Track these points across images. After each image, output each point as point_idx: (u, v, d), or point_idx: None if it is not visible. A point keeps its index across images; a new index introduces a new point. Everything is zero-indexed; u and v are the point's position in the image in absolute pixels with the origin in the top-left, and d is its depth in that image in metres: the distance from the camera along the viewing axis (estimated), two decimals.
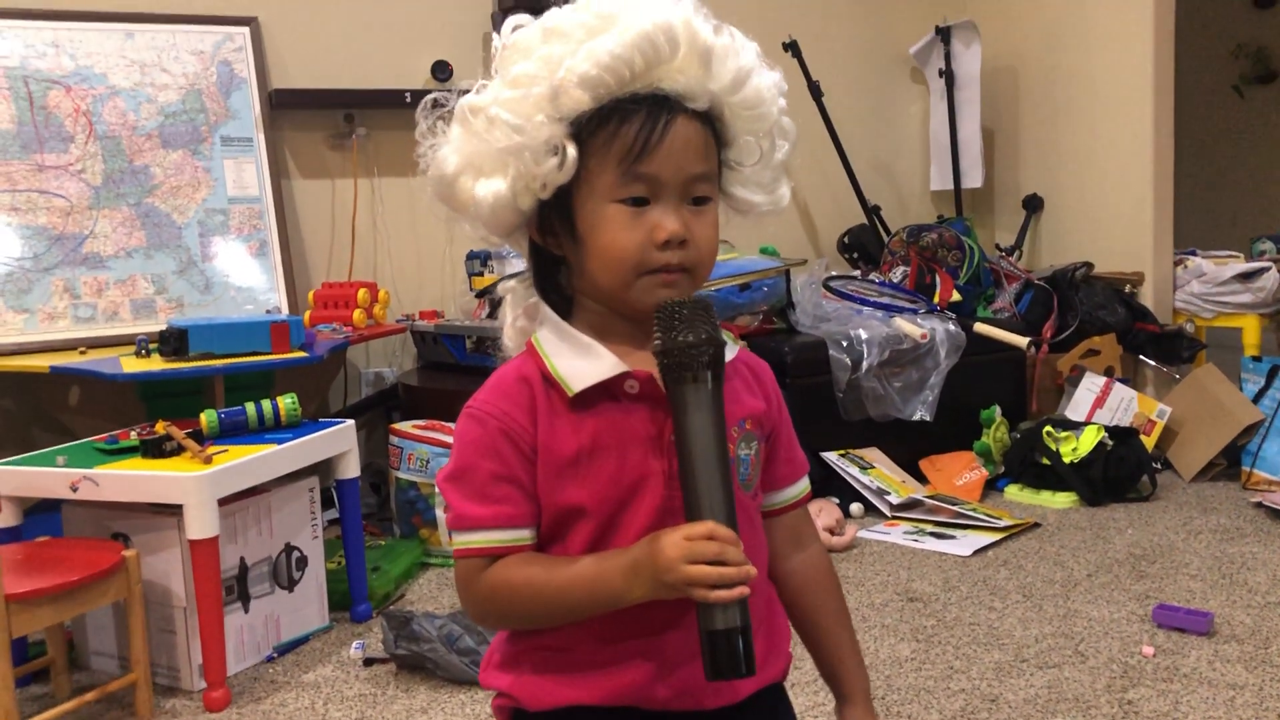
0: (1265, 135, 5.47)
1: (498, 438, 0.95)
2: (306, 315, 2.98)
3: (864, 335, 3.19)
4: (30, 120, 2.88)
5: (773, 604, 1.06)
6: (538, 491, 0.96)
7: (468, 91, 0.98)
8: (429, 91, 1.01)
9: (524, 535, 0.96)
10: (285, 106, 3.19)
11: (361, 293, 2.98)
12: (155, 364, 2.46)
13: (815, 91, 3.80)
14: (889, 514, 2.98)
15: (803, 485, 1.11)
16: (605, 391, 0.96)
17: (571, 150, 0.93)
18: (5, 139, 2.84)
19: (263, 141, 3.13)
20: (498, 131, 0.93)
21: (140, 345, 2.58)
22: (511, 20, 0.98)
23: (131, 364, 2.48)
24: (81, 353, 2.72)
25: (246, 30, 3.16)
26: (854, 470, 3.08)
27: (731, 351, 1.00)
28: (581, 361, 0.96)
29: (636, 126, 0.93)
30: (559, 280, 1.02)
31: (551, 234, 0.99)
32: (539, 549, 0.97)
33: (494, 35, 1.00)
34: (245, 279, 3.07)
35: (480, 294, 3.19)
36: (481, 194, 0.95)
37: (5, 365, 2.64)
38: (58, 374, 2.56)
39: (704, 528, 0.87)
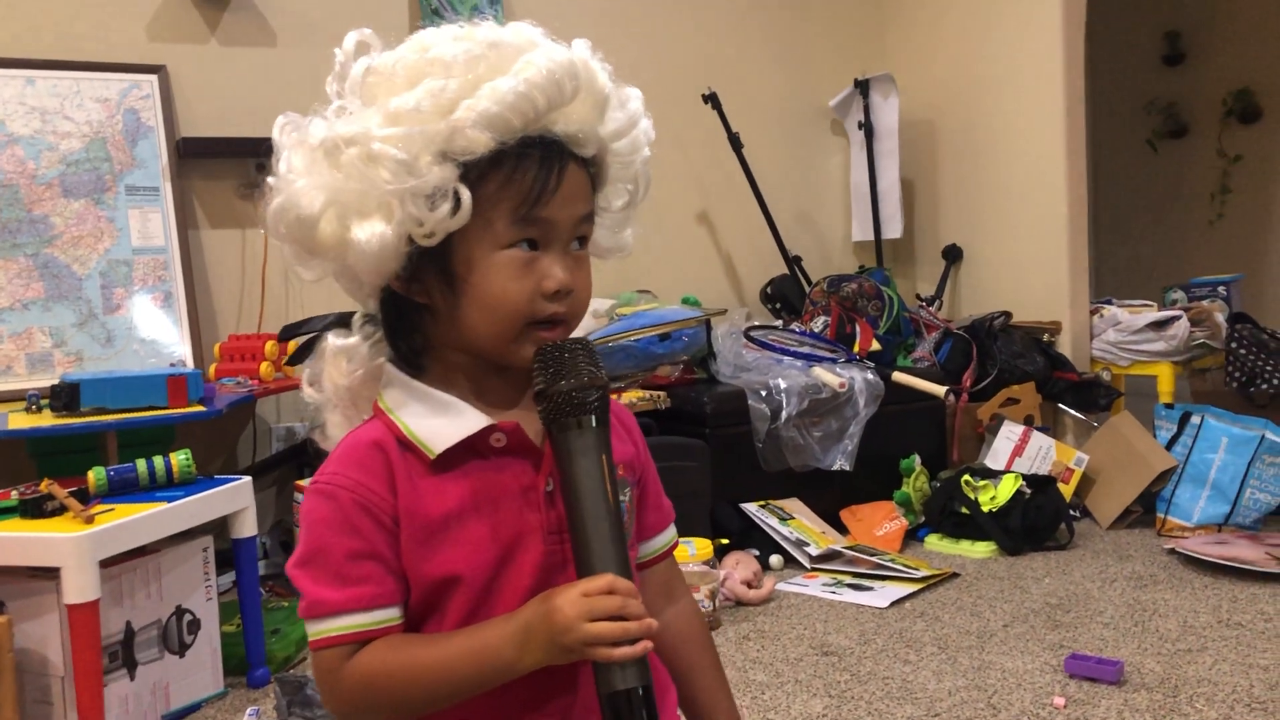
0: (1178, 188, 5.60)
1: (353, 512, 0.87)
2: (212, 368, 2.90)
3: (783, 384, 3.18)
4: None
5: (657, 670, 1.01)
6: (403, 566, 0.88)
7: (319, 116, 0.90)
8: None
9: (391, 615, 0.88)
10: (194, 155, 3.12)
11: (269, 345, 2.90)
12: (45, 419, 2.36)
13: (735, 143, 3.82)
14: (808, 565, 2.95)
15: (671, 534, 1.07)
16: (470, 449, 0.90)
17: (466, 195, 0.86)
18: None
19: (169, 191, 3.06)
20: (383, 170, 0.85)
21: (31, 400, 2.48)
22: (354, 35, 0.91)
23: (19, 419, 2.39)
24: None
25: (155, 78, 3.10)
26: (773, 521, 3.05)
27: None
28: (439, 420, 0.90)
29: (533, 172, 0.88)
30: (415, 332, 0.94)
31: (417, 281, 0.91)
32: (409, 630, 0.90)
33: (337, 51, 0.92)
34: (149, 332, 2.98)
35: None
36: (363, 238, 0.87)
37: None
38: None
39: (603, 581, 0.82)
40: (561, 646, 0.81)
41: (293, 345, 2.82)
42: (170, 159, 3.08)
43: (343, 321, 0.97)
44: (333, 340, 0.96)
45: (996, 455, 3.40)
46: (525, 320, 0.89)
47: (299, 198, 0.88)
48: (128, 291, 2.98)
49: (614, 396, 2.87)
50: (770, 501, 3.14)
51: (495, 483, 0.90)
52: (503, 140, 0.87)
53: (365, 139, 0.86)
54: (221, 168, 3.21)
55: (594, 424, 0.86)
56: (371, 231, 0.87)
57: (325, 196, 0.87)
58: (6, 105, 2.91)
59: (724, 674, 1.07)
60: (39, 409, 2.46)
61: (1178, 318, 3.65)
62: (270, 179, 0.91)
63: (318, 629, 0.87)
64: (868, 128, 4.14)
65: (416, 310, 0.93)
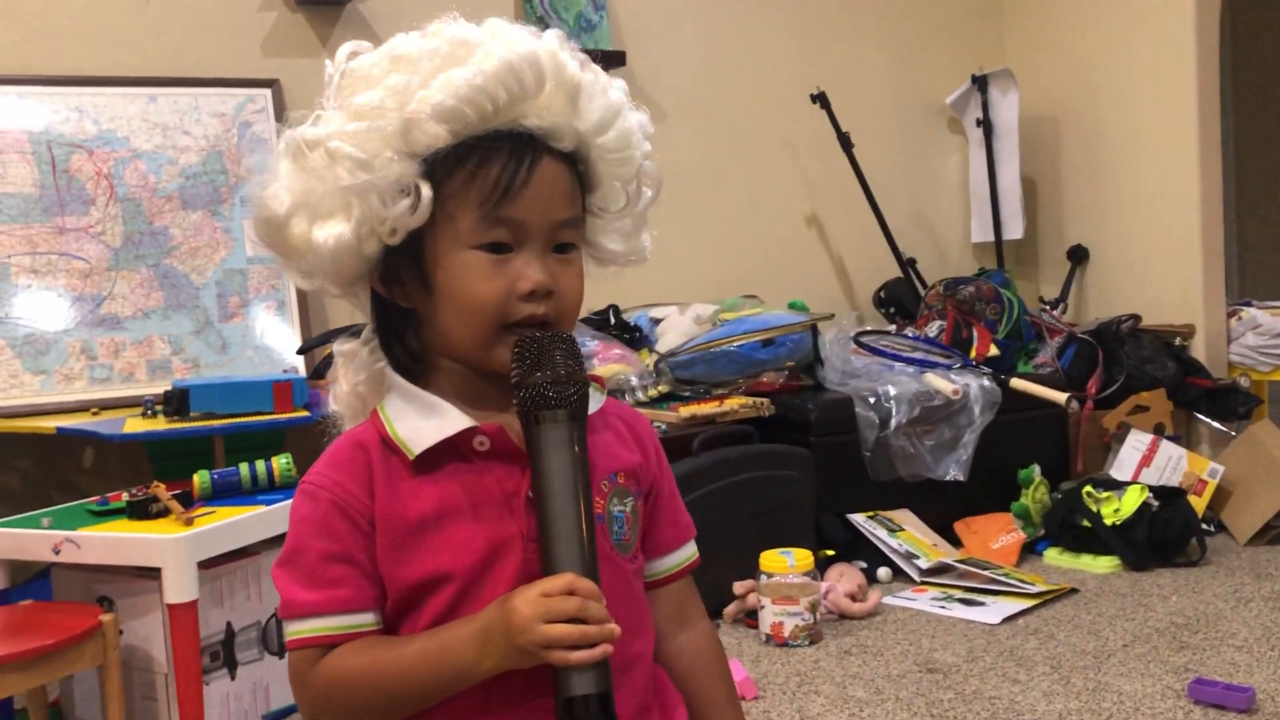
0: None
1: (330, 513, 0.86)
2: None
3: (893, 391, 3.08)
4: (53, 184, 2.92)
5: (664, 687, 0.97)
6: (379, 569, 0.87)
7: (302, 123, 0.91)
8: None
9: (364, 620, 0.87)
10: None
11: None
12: (158, 424, 2.44)
13: (845, 143, 3.73)
14: (918, 579, 2.84)
15: (688, 551, 1.01)
16: (453, 452, 0.88)
17: (426, 191, 0.84)
18: (28, 203, 2.88)
19: None
20: (340, 168, 0.84)
21: (147, 406, 2.57)
22: (349, 45, 0.91)
23: (135, 424, 2.47)
24: (94, 414, 2.72)
25: (268, 92, 3.18)
26: (882, 533, 2.95)
27: (597, 401, 0.92)
28: (424, 421, 0.88)
29: (499, 166, 0.85)
30: (407, 337, 0.92)
31: (398, 284, 0.89)
32: (387, 634, 0.88)
33: (327, 62, 0.93)
34: (263, 339, 3.06)
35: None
36: (320, 238, 0.86)
37: (17, 426, 2.64)
38: (64, 435, 2.55)
39: (561, 581, 0.79)
40: (517, 648, 0.79)
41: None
42: None
43: (356, 333, 0.96)
44: (336, 348, 0.95)
45: (1122, 465, 3.24)
46: (499, 323, 0.86)
47: (268, 201, 0.88)
48: (243, 300, 3.06)
49: (688, 406, 2.81)
50: (879, 512, 3.04)
51: (476, 487, 0.87)
52: (462, 133, 0.84)
53: (326, 139, 0.85)
54: None
55: (567, 418, 0.82)
56: (329, 232, 0.86)
57: (291, 199, 0.87)
58: (131, 122, 3.03)
59: (739, 708, 1.01)
60: (153, 414, 2.54)
61: None
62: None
63: (290, 630, 0.87)
64: (986, 125, 4.00)
65: (403, 315, 0.91)
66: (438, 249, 0.87)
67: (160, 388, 2.83)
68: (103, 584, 2.08)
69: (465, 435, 0.88)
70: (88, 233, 2.93)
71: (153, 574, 1.99)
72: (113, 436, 2.36)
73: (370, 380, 0.94)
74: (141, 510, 2.05)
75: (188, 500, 2.10)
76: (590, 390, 0.86)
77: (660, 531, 0.99)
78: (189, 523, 1.97)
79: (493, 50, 0.85)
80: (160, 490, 2.09)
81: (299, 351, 2.92)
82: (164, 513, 2.05)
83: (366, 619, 0.87)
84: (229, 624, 2.12)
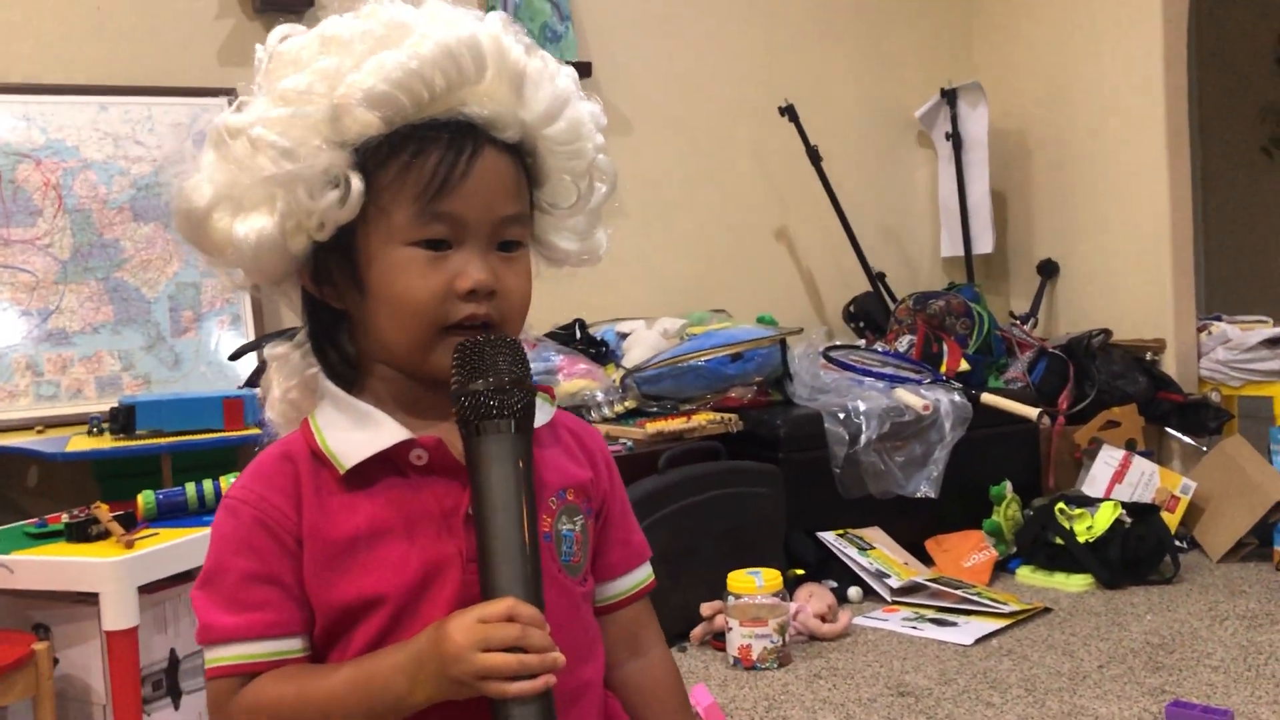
0: None
1: (253, 530, 0.80)
2: None
3: (863, 407, 3.02)
4: None
5: (617, 716, 0.90)
6: (306, 590, 0.80)
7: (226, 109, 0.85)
8: None
9: (289, 646, 0.80)
10: None
11: None
12: (103, 442, 2.35)
13: (814, 156, 3.68)
14: (889, 599, 2.78)
15: (642, 574, 0.95)
16: (388, 465, 0.81)
17: (356, 182, 0.78)
18: None
19: None
20: (262, 158, 0.78)
21: (92, 423, 2.48)
22: (282, 28, 0.84)
23: (80, 443, 2.38)
24: (39, 432, 2.62)
25: (224, 101, 3.10)
26: (852, 551, 2.89)
27: (546, 413, 0.85)
28: (358, 432, 0.81)
29: (436, 157, 0.79)
30: (341, 341, 0.86)
31: (329, 283, 0.83)
32: (315, 660, 0.81)
33: (258, 46, 0.86)
34: (217, 354, 2.97)
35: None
36: (242, 233, 0.80)
37: None
38: (4, 454, 2.45)
39: (501, 606, 0.72)
40: (452, 678, 0.72)
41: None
42: None
43: (290, 335, 0.89)
44: (267, 352, 0.89)
45: (1095, 482, 3.20)
46: (437, 324, 0.80)
47: (188, 193, 0.82)
48: (196, 314, 2.98)
49: (655, 422, 2.75)
50: (849, 530, 2.99)
51: (412, 504, 0.81)
52: (396, 121, 0.78)
53: (249, 125, 0.79)
54: None
55: (510, 429, 0.76)
56: (251, 226, 0.79)
57: (213, 191, 0.81)
58: (81, 131, 2.94)
59: None
60: (99, 432, 2.45)
61: None
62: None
63: (210, 657, 0.80)
64: (956, 139, 3.97)
65: (336, 317, 0.85)
66: (370, 245, 0.81)
67: (110, 405, 2.74)
68: (39, 610, 1.98)
69: (401, 448, 0.82)
70: (35, 245, 2.84)
71: (91, 599, 1.90)
72: (54, 455, 2.27)
73: (302, 386, 0.88)
74: (80, 532, 1.95)
75: (131, 522, 2.01)
76: (538, 400, 0.80)
77: (611, 552, 0.93)
78: (129, 545, 1.88)
79: (429, 33, 0.79)
80: (101, 511, 2.00)
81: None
82: (104, 535, 1.96)
83: (292, 645, 0.81)
84: (173, 651, 2.03)
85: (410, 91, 0.78)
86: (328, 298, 0.85)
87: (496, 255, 0.83)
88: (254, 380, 2.63)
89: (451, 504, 0.81)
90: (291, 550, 0.80)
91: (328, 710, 0.77)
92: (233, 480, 2.13)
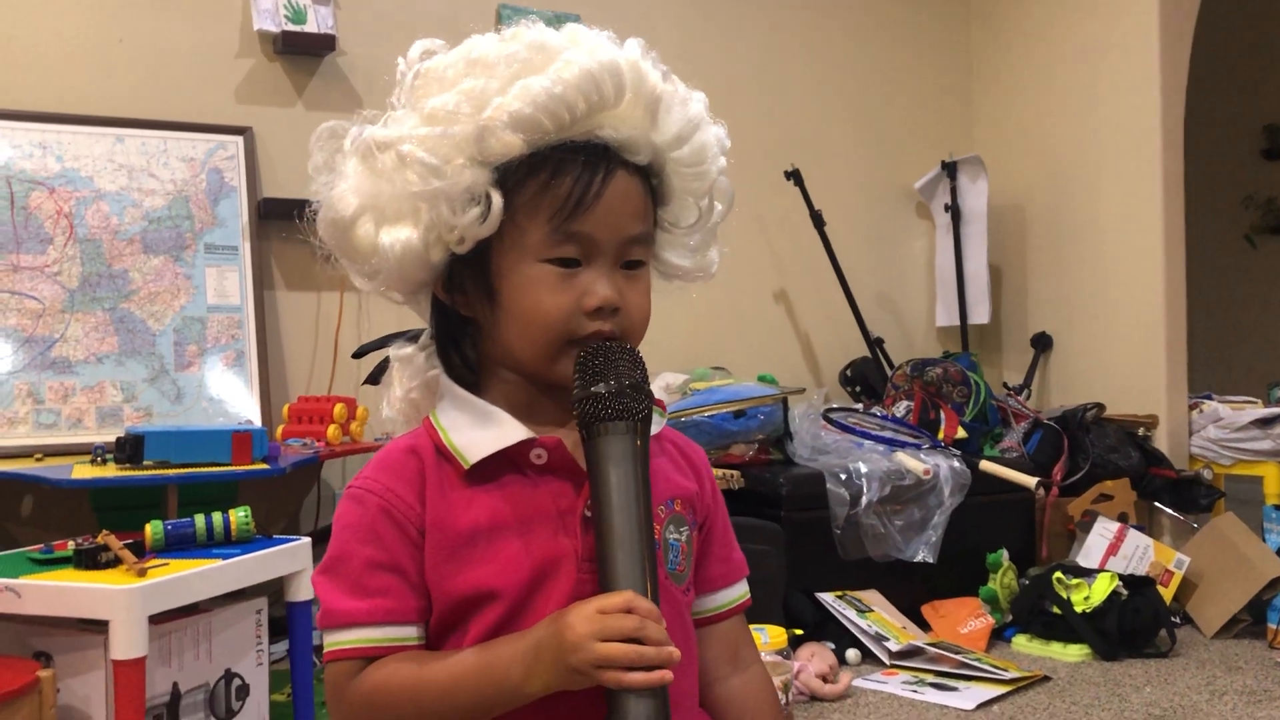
0: (1278, 284, 5.39)
1: (378, 518, 0.82)
2: (279, 429, 2.85)
3: (864, 469, 3.04)
4: (10, 220, 2.81)
5: None
6: (426, 581, 0.82)
7: (371, 123, 0.87)
8: None
9: (407, 634, 0.81)
10: (274, 216, 3.12)
11: (338, 408, 2.85)
12: (109, 471, 2.32)
13: (818, 220, 3.74)
14: (888, 662, 2.77)
15: (741, 590, 0.97)
16: (509, 463, 0.83)
17: (497, 200, 0.81)
18: None
19: (248, 251, 3.06)
20: (410, 173, 0.81)
21: (96, 453, 2.45)
22: (422, 43, 0.87)
23: (84, 470, 2.35)
24: (37, 459, 2.59)
25: (240, 139, 3.12)
26: (851, 613, 2.88)
27: (657, 424, 0.87)
28: (481, 431, 0.84)
29: (572, 179, 0.81)
30: (465, 346, 0.88)
31: (460, 292, 0.86)
32: (430, 650, 0.82)
33: (400, 60, 0.89)
34: (219, 390, 2.95)
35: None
36: (387, 243, 0.83)
37: None
38: (4, 479, 2.42)
39: (620, 598, 0.73)
40: (569, 667, 0.73)
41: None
42: (251, 219, 3.08)
43: (414, 338, 0.91)
44: (393, 352, 0.91)
45: (1089, 553, 3.21)
46: (565, 338, 0.83)
47: (335, 202, 0.86)
48: (200, 349, 2.96)
49: None
50: (848, 592, 2.98)
51: (531, 501, 0.83)
52: (537, 143, 0.81)
53: (397, 141, 0.82)
54: (300, 230, 3.20)
55: (630, 431, 0.78)
56: (395, 237, 0.83)
57: (359, 201, 0.84)
58: (96, 162, 2.94)
59: None
60: (103, 461, 2.42)
61: None
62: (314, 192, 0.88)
63: (331, 640, 0.82)
64: (955, 211, 4.04)
65: (463, 323, 0.88)
66: (504, 260, 0.84)
67: (109, 436, 2.71)
68: (40, 638, 1.93)
69: (522, 447, 0.84)
70: (43, 272, 2.83)
71: (98, 627, 1.86)
72: (60, 482, 2.24)
73: (424, 387, 0.91)
74: (90, 559, 1.92)
75: (139, 551, 1.98)
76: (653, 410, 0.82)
77: (712, 566, 0.94)
78: (142, 573, 1.85)
79: (573, 58, 0.81)
80: (111, 539, 1.96)
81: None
82: (114, 563, 1.92)
83: (409, 632, 0.82)
84: (175, 685, 1.99)
85: (554, 115, 0.81)
86: (458, 305, 0.88)
87: (621, 274, 0.85)
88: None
89: (567, 504, 0.83)
90: (414, 540, 0.82)
91: (444, 696, 0.78)
92: (240, 513, 2.11)
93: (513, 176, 0.82)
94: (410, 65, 0.87)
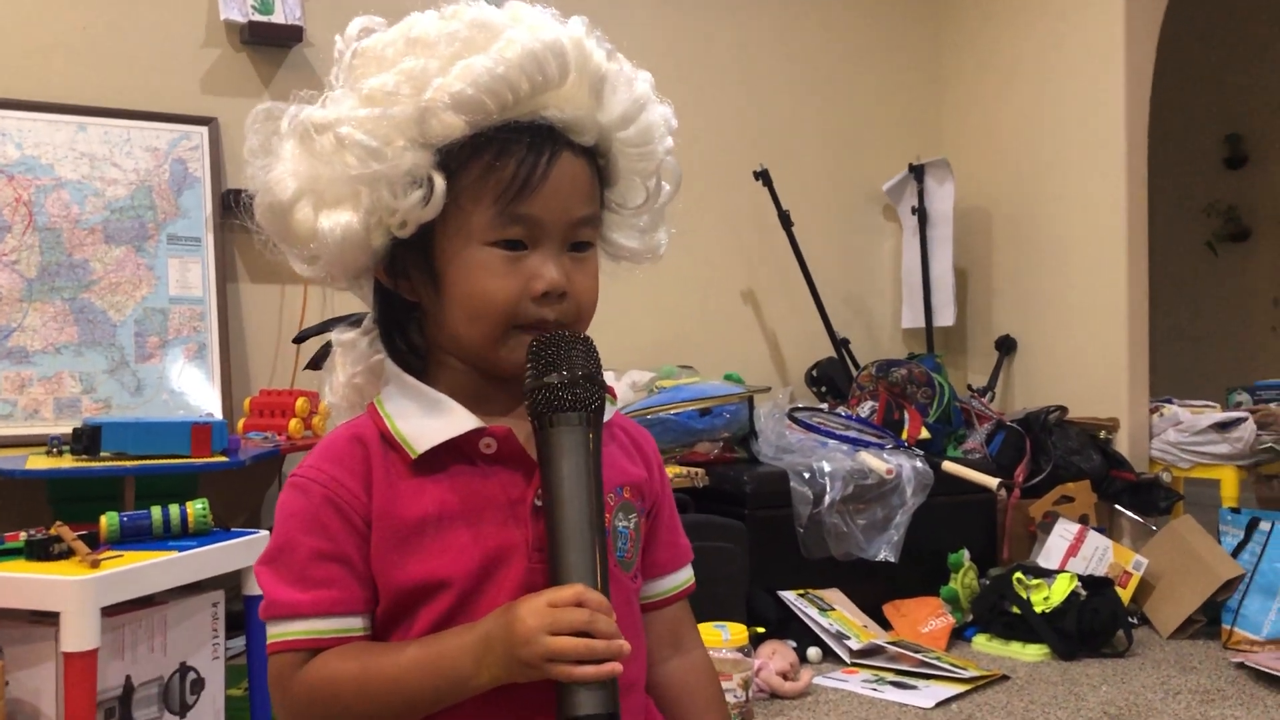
0: (1239, 290, 5.46)
1: (322, 508, 0.80)
2: (241, 422, 2.83)
3: (827, 468, 3.05)
4: None
5: (652, 717, 0.90)
6: (372, 571, 0.81)
7: (308, 104, 0.85)
8: None
9: (352, 624, 0.81)
10: (239, 208, 3.08)
11: (300, 402, 2.83)
12: (65, 462, 2.29)
13: (785, 221, 3.75)
14: (848, 660, 2.78)
15: (685, 575, 0.96)
16: (457, 453, 0.82)
17: (440, 183, 0.80)
18: None
19: (211, 242, 3.03)
20: (349, 156, 0.79)
21: (52, 444, 2.42)
22: (361, 20, 0.86)
23: (39, 461, 2.32)
24: None
25: (205, 130, 3.09)
26: (813, 611, 2.89)
27: (609, 412, 0.86)
28: (428, 419, 0.82)
29: (517, 161, 0.80)
30: (410, 332, 0.87)
31: (404, 277, 0.85)
32: (376, 641, 0.81)
33: (337, 38, 0.87)
34: (180, 382, 2.93)
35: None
36: (327, 227, 0.81)
37: None
38: None
39: (570, 591, 0.73)
40: (519, 660, 0.73)
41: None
42: (215, 211, 3.05)
43: (356, 322, 0.90)
44: (335, 337, 0.90)
45: (1050, 554, 3.24)
46: (510, 323, 0.82)
47: (272, 185, 0.84)
48: (162, 341, 2.93)
49: None
50: (810, 590, 2.99)
51: (480, 491, 0.82)
52: (479, 124, 0.80)
53: (336, 123, 0.80)
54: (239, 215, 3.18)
55: (582, 422, 0.78)
56: (335, 221, 0.81)
57: (297, 184, 0.82)
58: (57, 150, 2.91)
59: None
60: (59, 453, 2.39)
61: (1243, 419, 3.49)
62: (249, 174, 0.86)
63: (274, 631, 0.81)
64: (921, 213, 4.06)
65: (407, 308, 0.86)
66: (449, 244, 0.82)
67: (67, 427, 2.67)
68: None
69: (471, 436, 0.82)
70: (1, 260, 2.79)
71: (49, 619, 1.84)
72: (14, 472, 2.21)
73: (368, 372, 0.89)
74: (41, 550, 1.89)
75: (93, 542, 1.96)
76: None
77: (659, 552, 0.94)
78: (95, 565, 1.83)
79: (515, 37, 0.80)
80: (64, 530, 1.94)
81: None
82: (67, 554, 1.90)
83: (354, 623, 0.81)
84: (128, 678, 1.96)
85: (497, 96, 0.79)
86: (401, 290, 0.86)
87: (569, 256, 0.84)
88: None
89: (517, 494, 0.82)
90: (360, 530, 0.81)
91: (392, 688, 0.77)
92: (197, 505, 2.09)
93: (455, 158, 0.81)
94: (348, 43, 0.86)
